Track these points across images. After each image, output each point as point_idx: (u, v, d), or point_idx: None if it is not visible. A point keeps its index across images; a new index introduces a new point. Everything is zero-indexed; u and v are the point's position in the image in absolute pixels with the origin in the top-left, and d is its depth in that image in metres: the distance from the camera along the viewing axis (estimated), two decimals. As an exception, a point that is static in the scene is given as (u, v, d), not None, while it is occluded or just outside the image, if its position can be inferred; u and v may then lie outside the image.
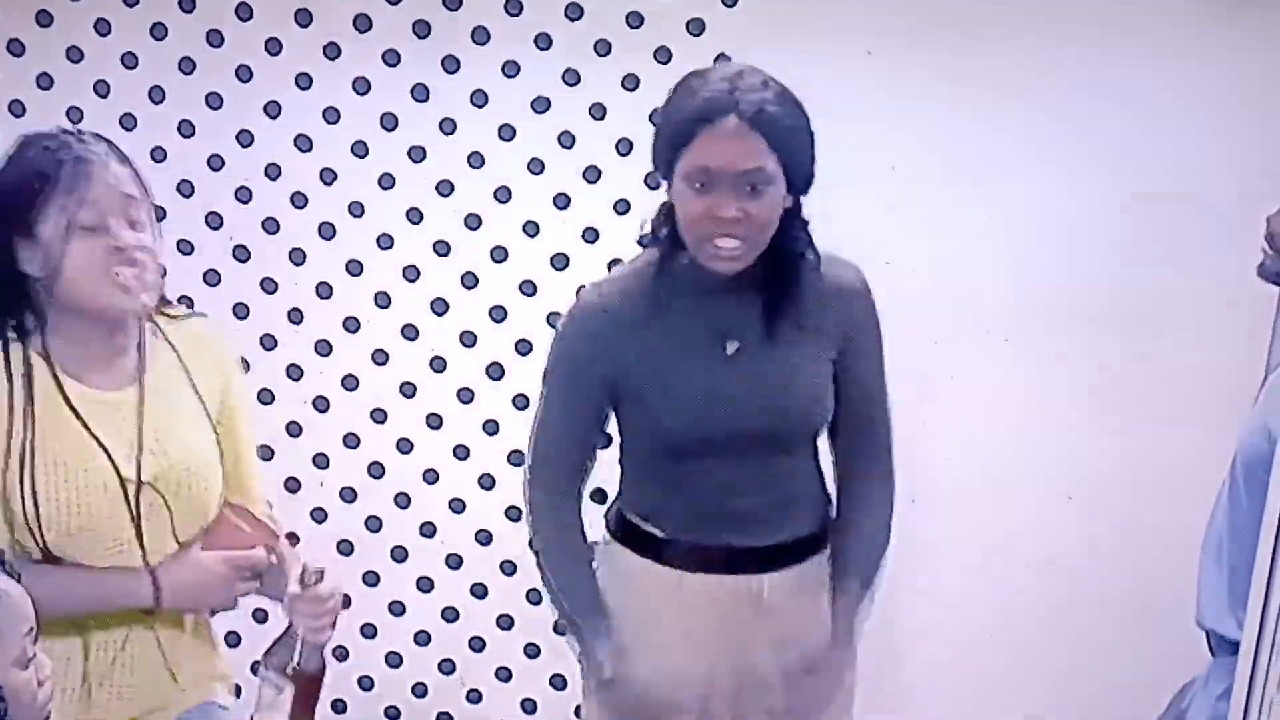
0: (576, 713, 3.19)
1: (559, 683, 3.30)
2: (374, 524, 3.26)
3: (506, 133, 3.04)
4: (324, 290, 3.15)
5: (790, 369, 2.27)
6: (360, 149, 3.08)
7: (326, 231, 3.12)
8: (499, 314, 3.13)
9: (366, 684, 3.35)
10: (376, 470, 3.22)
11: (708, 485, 2.32)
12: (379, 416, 3.21)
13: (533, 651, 3.26)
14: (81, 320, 2.01)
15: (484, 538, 3.23)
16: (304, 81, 3.04)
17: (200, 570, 2.11)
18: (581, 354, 2.29)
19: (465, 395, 3.18)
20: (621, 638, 2.42)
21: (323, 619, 2.12)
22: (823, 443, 2.41)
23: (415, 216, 3.10)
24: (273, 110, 3.07)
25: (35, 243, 1.97)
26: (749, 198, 2.10)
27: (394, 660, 3.32)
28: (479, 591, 3.26)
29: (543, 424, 2.35)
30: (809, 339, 2.27)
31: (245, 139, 3.07)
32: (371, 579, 3.29)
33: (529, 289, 3.11)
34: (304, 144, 3.08)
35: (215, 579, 2.13)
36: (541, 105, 3.02)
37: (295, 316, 3.17)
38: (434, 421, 3.20)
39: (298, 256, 3.13)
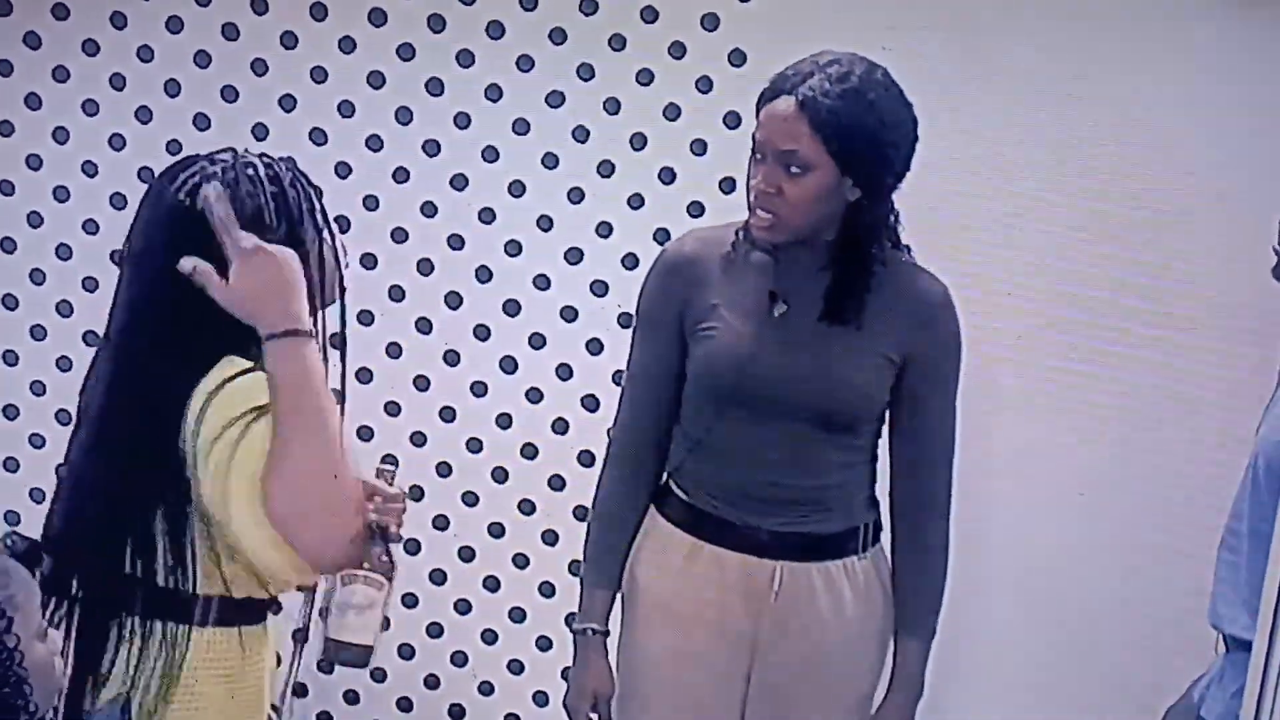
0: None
1: (571, 675, 3.31)
2: (387, 516, 3.26)
3: (520, 127, 3.05)
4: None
5: (834, 352, 2.30)
6: (375, 143, 3.09)
7: (342, 225, 3.11)
8: (512, 308, 3.14)
9: (379, 676, 3.36)
10: (389, 461, 3.22)
11: (737, 454, 2.36)
12: (392, 409, 3.22)
13: (544, 644, 3.27)
14: None
15: (497, 531, 3.24)
16: (319, 75, 3.06)
17: None
18: (658, 290, 2.41)
19: (479, 389, 3.19)
20: (643, 606, 2.47)
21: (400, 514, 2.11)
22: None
23: (429, 210, 3.11)
24: (288, 104, 3.08)
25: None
26: (787, 177, 2.20)
27: (406, 652, 3.33)
28: (491, 585, 3.27)
29: (630, 365, 2.48)
30: (866, 332, 2.30)
31: (260, 132, 3.08)
32: (384, 571, 3.29)
33: (542, 283, 3.12)
34: (319, 138, 3.09)
35: None
36: (555, 100, 3.03)
37: (309, 310, 3.17)
38: (447, 414, 3.21)
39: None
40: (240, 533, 1.90)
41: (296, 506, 1.87)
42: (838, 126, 2.17)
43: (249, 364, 1.93)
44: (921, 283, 2.35)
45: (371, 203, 3.12)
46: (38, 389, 3.22)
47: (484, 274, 3.13)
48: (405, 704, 3.38)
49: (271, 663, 2.15)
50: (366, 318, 3.17)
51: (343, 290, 2.08)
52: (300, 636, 2.31)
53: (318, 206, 2.00)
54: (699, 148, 3.01)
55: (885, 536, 2.50)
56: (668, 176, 3.03)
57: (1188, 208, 2.88)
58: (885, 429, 2.44)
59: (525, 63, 3.02)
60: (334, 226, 2.04)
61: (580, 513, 3.14)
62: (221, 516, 1.90)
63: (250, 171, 1.95)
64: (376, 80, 3.06)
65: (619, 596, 2.53)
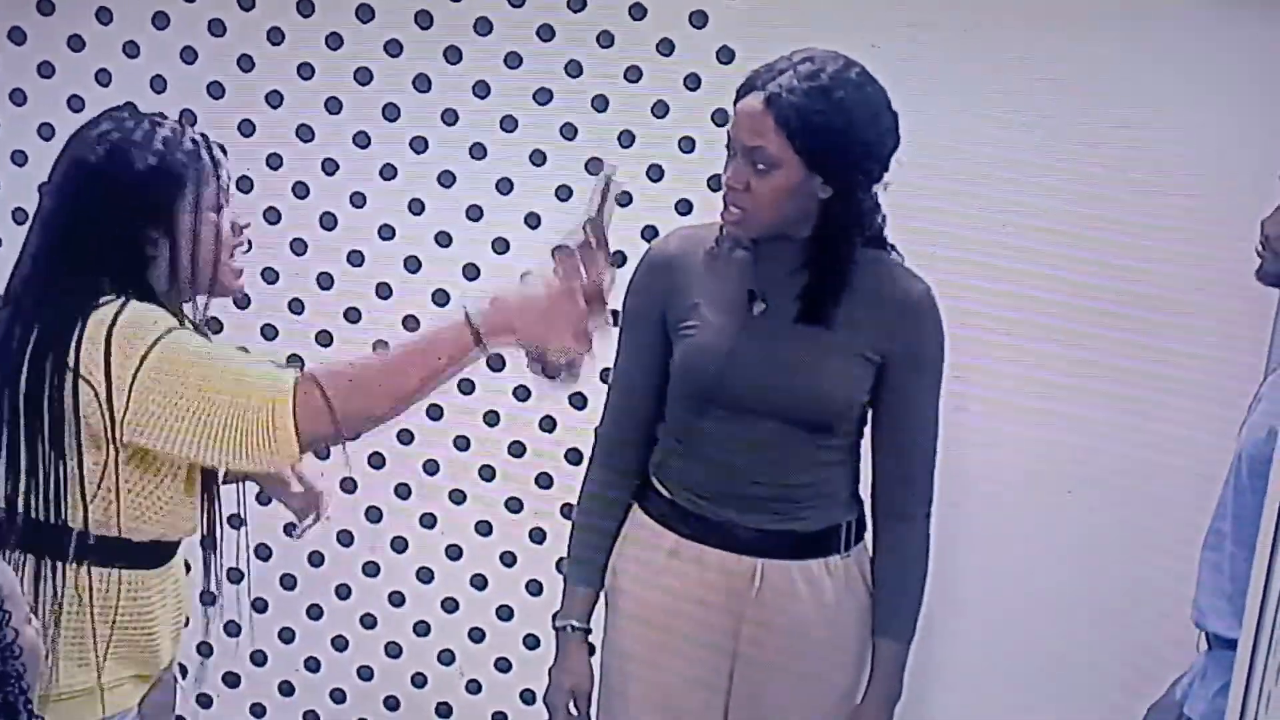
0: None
1: (558, 674, 3.30)
2: (374, 515, 3.26)
3: (509, 124, 3.04)
4: (325, 280, 3.16)
5: (812, 350, 2.30)
6: (361, 139, 3.08)
7: (328, 222, 3.12)
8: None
9: (366, 674, 3.35)
10: (377, 460, 3.23)
11: (717, 452, 2.36)
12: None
13: (532, 642, 3.27)
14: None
15: (484, 529, 3.23)
16: (306, 72, 3.05)
17: (528, 300, 1.97)
18: (642, 289, 2.41)
19: (466, 386, 3.18)
20: (624, 603, 2.48)
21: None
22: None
23: (416, 208, 3.11)
24: (274, 100, 3.07)
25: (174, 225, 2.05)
26: (754, 173, 2.20)
27: (393, 650, 3.33)
28: (479, 583, 3.27)
29: (615, 362, 2.48)
30: (845, 331, 2.29)
31: (247, 129, 3.07)
32: (371, 569, 3.29)
33: (530, 280, 3.12)
34: (305, 134, 3.08)
35: (550, 306, 1.97)
36: (544, 97, 3.02)
37: (296, 307, 3.17)
38: (434, 412, 3.20)
39: (299, 247, 3.13)
40: (183, 444, 1.96)
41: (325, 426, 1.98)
42: (803, 124, 2.16)
43: (117, 298, 2.01)
44: (902, 281, 2.35)
45: (358, 199, 3.11)
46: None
47: (471, 271, 3.12)
48: (393, 702, 3.37)
49: (169, 613, 2.20)
50: (354, 315, 3.16)
51: (220, 292, 2.15)
52: (206, 599, 2.35)
53: (209, 186, 2.07)
54: (687, 145, 3.00)
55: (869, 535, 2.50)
56: (655, 174, 3.03)
57: (1176, 207, 2.87)
58: (868, 427, 2.44)
59: (513, 59, 3.01)
60: (227, 214, 2.10)
61: (568, 511, 3.13)
62: (151, 439, 1.97)
63: (142, 132, 2.04)
64: (363, 76, 3.04)
65: (602, 593, 2.53)
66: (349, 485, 3.24)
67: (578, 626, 2.51)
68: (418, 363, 1.98)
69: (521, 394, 3.17)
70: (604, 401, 2.53)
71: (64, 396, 1.98)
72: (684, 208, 3.01)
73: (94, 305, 2.00)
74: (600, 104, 3.01)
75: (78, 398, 1.98)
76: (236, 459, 1.97)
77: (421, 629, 3.31)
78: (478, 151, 3.06)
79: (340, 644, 3.33)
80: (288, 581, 3.30)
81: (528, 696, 3.30)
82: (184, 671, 2.48)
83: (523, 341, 1.98)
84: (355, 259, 3.13)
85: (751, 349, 2.30)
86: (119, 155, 2.03)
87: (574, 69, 3.00)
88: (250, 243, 2.21)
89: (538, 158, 3.05)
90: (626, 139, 3.02)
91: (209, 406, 1.94)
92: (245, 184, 3.06)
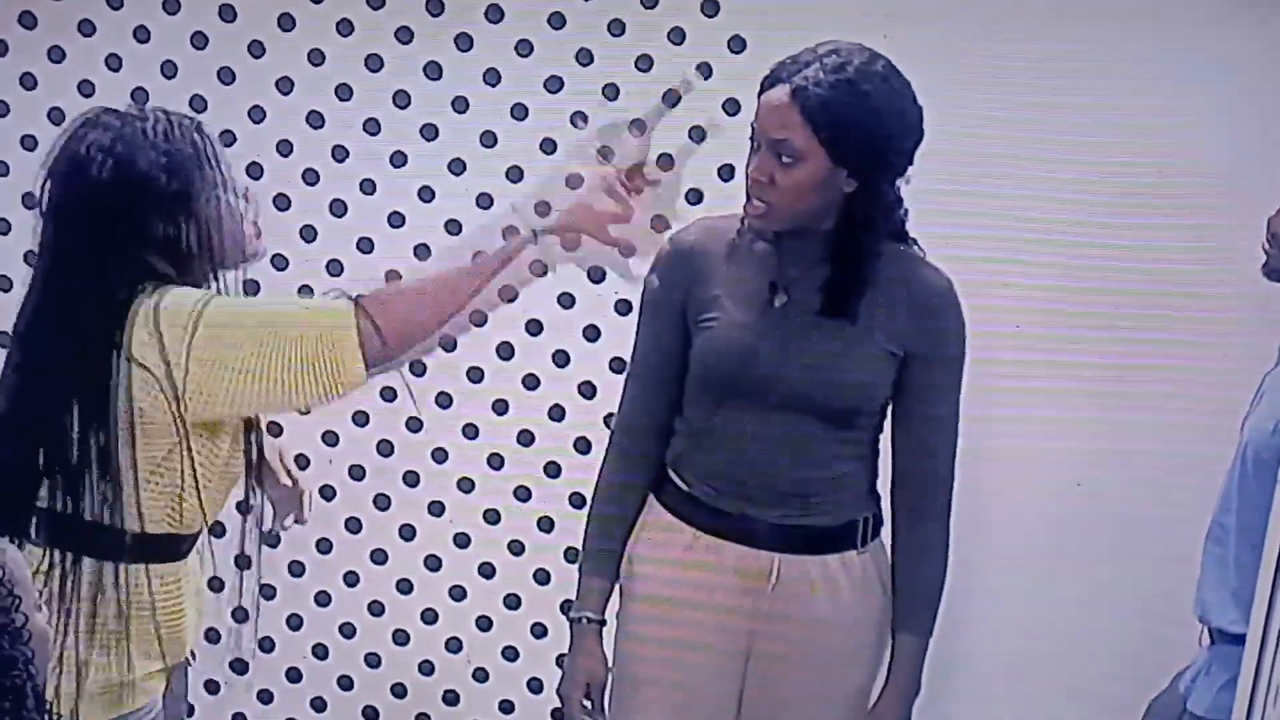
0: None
1: (565, 663, 3.31)
2: (382, 502, 3.26)
3: (519, 112, 3.04)
4: (334, 268, 3.16)
5: (834, 344, 2.29)
6: (371, 126, 3.07)
7: (338, 209, 3.12)
8: (509, 294, 3.12)
9: (373, 661, 3.36)
10: (385, 448, 3.23)
11: (736, 445, 2.35)
12: (388, 395, 3.21)
13: (539, 631, 3.27)
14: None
15: (492, 517, 3.23)
16: (316, 58, 3.04)
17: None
18: (662, 280, 2.40)
19: (475, 375, 3.18)
20: (640, 595, 2.47)
21: None
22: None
23: (426, 195, 3.10)
24: (285, 86, 3.06)
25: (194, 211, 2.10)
26: (779, 166, 2.19)
27: (400, 638, 3.33)
28: (486, 571, 3.26)
29: (633, 353, 2.48)
30: (867, 324, 2.29)
31: (257, 115, 3.07)
32: (379, 557, 3.29)
33: (539, 269, 3.10)
34: (316, 120, 3.08)
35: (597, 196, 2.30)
36: (554, 85, 3.01)
37: (306, 294, 3.16)
38: (443, 400, 3.20)
39: (308, 233, 3.13)
40: (247, 396, 2.05)
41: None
42: (829, 116, 2.15)
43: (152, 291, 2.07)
44: (925, 275, 2.34)
45: (368, 186, 3.11)
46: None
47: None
48: (400, 690, 3.37)
49: (191, 605, 2.24)
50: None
51: (246, 258, 2.22)
52: (243, 562, 2.36)
53: (213, 165, 2.12)
54: (698, 135, 3.00)
55: (886, 531, 2.49)
56: (666, 163, 3.02)
57: (1185, 200, 2.87)
58: (888, 422, 2.43)
59: (524, 47, 3.01)
60: (237, 187, 2.16)
61: (576, 500, 3.14)
62: (215, 401, 2.04)
63: (143, 127, 2.08)
64: (374, 64, 3.04)
65: (617, 585, 2.53)
66: (357, 472, 3.25)
67: (593, 618, 2.51)
68: (471, 277, 2.30)
69: (530, 382, 3.16)
70: (621, 391, 2.52)
71: (119, 389, 2.01)
72: (694, 197, 3.00)
73: (135, 299, 2.05)
74: (611, 92, 3.00)
75: (132, 387, 2.00)
76: (303, 392, 2.05)
77: (429, 617, 3.31)
78: (487, 140, 3.06)
79: (348, 631, 3.34)
80: (296, 569, 3.30)
81: (535, 685, 3.30)
82: (192, 656, 2.48)
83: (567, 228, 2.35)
84: (365, 246, 3.13)
85: (772, 341, 2.29)
86: (126, 164, 2.06)
87: (585, 57, 3.00)
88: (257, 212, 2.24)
89: (548, 145, 3.04)
90: (637, 128, 3.01)
91: (268, 350, 2.03)
92: (255, 170, 3.07)
